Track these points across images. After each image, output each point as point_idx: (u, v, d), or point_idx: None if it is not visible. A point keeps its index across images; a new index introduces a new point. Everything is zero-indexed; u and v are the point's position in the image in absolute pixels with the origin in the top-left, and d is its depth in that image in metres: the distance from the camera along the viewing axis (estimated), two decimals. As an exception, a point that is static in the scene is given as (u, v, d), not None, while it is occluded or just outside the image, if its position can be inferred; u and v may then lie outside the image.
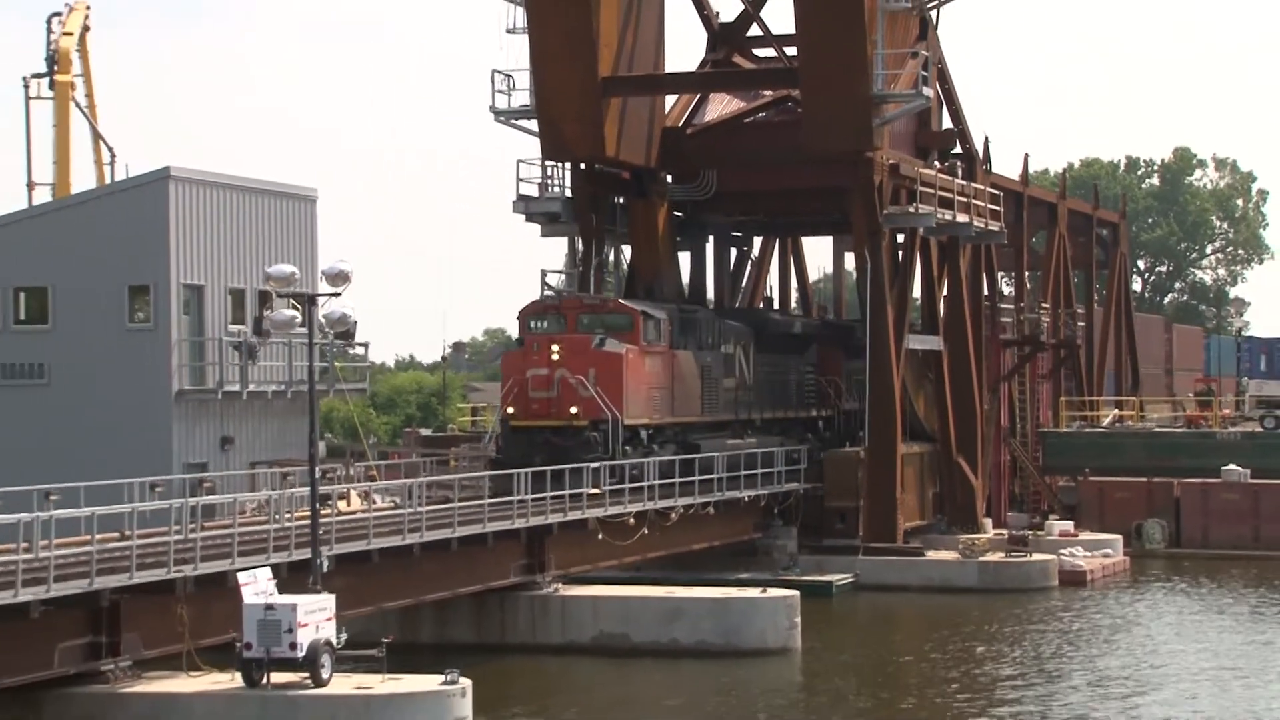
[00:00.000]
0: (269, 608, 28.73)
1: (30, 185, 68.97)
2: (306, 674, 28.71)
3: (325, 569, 31.04)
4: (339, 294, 31.41)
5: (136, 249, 44.64)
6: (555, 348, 45.74)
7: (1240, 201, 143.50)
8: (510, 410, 45.80)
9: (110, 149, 70.67)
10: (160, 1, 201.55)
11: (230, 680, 29.21)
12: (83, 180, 68.04)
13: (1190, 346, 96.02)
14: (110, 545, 29.80)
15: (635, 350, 46.88)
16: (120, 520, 31.11)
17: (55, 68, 69.15)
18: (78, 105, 70.14)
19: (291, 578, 31.01)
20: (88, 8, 71.13)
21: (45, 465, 39.25)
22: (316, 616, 29.04)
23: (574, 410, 45.01)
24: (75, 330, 44.85)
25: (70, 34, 69.53)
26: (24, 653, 27.87)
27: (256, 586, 29.24)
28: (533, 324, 47.90)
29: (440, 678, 29.06)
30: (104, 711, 28.53)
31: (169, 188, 44.58)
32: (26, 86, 69.61)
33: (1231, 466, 61.89)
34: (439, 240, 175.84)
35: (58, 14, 70.31)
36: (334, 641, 29.32)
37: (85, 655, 29.06)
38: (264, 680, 28.74)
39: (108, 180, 66.16)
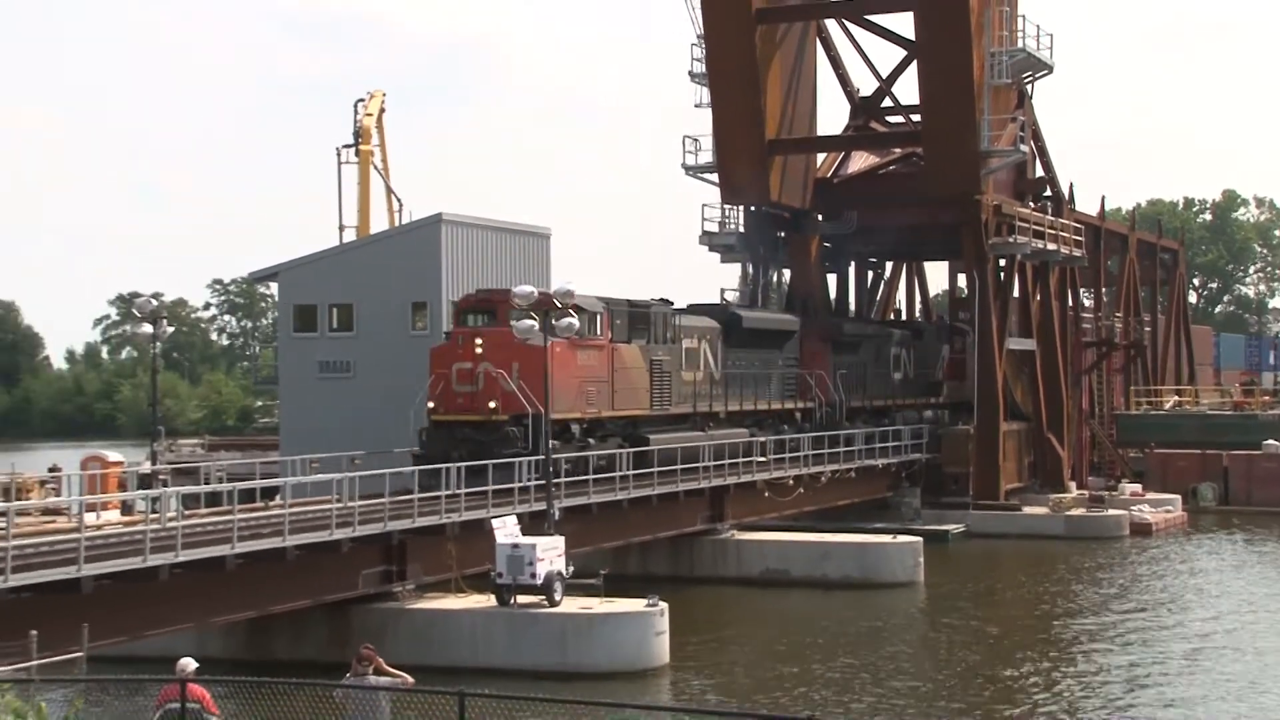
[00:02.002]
0: (515, 546, 28.90)
1: (340, 228, 70.57)
2: (543, 596, 28.86)
3: (557, 517, 31.21)
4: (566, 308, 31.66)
5: (417, 274, 45.11)
6: (479, 341, 34.82)
7: (1278, 232, 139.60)
8: (431, 404, 35.05)
9: (399, 200, 71.95)
10: (438, 90, 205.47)
11: (487, 600, 29.45)
12: (379, 223, 69.40)
13: (1201, 344, 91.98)
14: (398, 498, 30.12)
15: (564, 344, 34.49)
16: (406, 479, 31.67)
17: (359, 140, 70.56)
18: (375, 168, 71.46)
19: (532, 523, 31.16)
20: (384, 94, 72.56)
21: (351, 438, 39.91)
22: (551, 553, 29.18)
23: (492, 405, 34.40)
24: (373, 336, 45.46)
25: (371, 114, 70.93)
26: (336, 578, 28.45)
27: (506, 530, 29.46)
28: (467, 318, 36.60)
29: (644, 601, 28.99)
30: (394, 622, 28.90)
31: (441, 229, 45.05)
32: (338, 154, 71.17)
33: (1270, 441, 59.84)
34: (641, 266, 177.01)
35: (361, 99, 71.84)
36: (564, 572, 29.42)
37: (380, 580, 29.51)
38: (512, 601, 28.96)
39: (397, 223, 67.30)
